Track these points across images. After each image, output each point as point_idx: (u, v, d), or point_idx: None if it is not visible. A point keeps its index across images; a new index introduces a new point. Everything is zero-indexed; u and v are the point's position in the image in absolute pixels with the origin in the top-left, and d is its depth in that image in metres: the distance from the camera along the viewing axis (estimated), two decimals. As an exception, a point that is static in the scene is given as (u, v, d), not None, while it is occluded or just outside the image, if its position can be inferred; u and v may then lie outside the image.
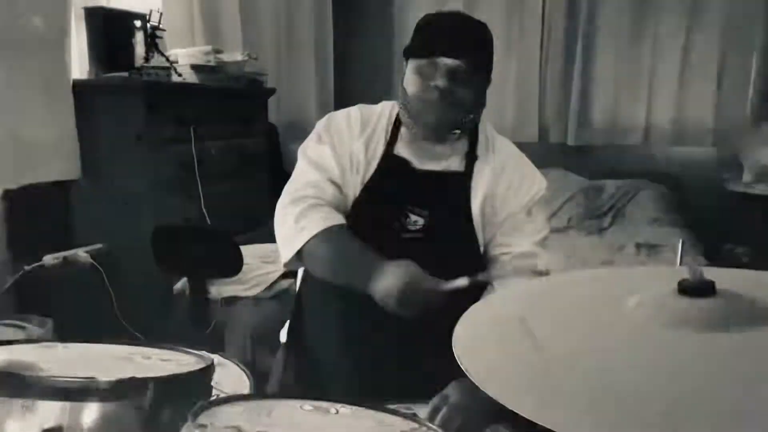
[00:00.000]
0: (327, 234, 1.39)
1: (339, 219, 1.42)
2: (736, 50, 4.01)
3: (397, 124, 1.49)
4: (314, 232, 1.39)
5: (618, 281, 0.84)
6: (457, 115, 1.42)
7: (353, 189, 1.46)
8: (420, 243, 1.42)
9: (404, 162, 1.47)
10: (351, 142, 1.48)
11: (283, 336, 1.62)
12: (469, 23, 1.44)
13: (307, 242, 1.39)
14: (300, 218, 1.41)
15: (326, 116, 1.55)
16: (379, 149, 1.47)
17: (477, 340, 0.71)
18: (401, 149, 1.48)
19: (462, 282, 1.28)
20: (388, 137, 1.48)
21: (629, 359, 0.63)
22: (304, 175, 1.48)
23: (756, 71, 4.00)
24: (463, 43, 1.39)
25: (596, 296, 0.78)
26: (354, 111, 1.52)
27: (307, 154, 1.50)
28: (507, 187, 1.47)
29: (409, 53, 1.44)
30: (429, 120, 1.41)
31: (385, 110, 1.52)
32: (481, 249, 1.47)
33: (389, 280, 1.28)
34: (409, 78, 1.43)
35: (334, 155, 1.47)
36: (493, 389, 0.58)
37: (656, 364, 0.61)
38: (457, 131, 1.45)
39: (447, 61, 1.38)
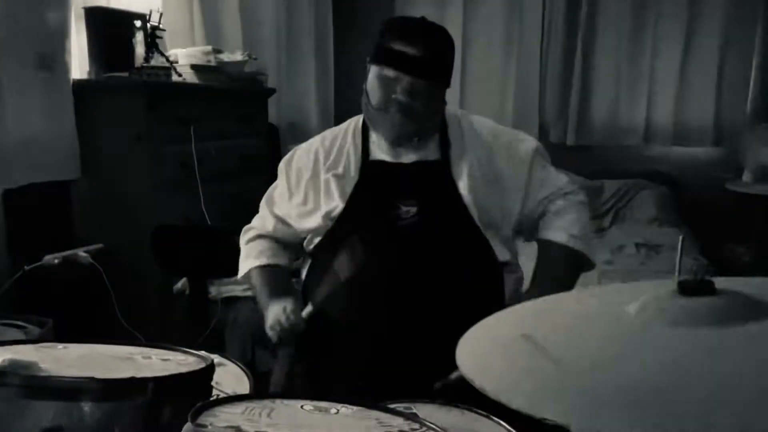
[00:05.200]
0: (255, 271, 1.62)
1: (270, 256, 1.63)
2: (736, 50, 4.01)
3: (365, 133, 1.55)
4: (249, 267, 1.63)
5: (615, 295, 0.85)
6: (416, 126, 1.47)
7: (332, 206, 1.52)
8: (416, 227, 1.47)
9: (382, 162, 1.53)
10: (317, 172, 1.56)
11: None
12: (432, 35, 1.46)
13: (245, 274, 1.65)
14: (245, 246, 1.68)
15: (290, 152, 1.66)
16: (354, 161, 1.53)
17: (485, 360, 0.71)
18: (377, 153, 1.54)
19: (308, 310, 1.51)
20: (359, 149, 1.54)
21: (642, 361, 0.63)
22: (261, 220, 1.68)
23: (756, 71, 4.00)
24: (425, 61, 1.42)
25: (596, 308, 0.78)
26: (316, 142, 1.61)
27: (268, 200, 1.67)
28: (507, 158, 1.52)
29: (373, 60, 1.47)
30: (388, 130, 1.47)
31: (350, 126, 1.59)
32: (479, 226, 1.50)
33: (267, 321, 1.51)
34: (372, 84, 1.47)
35: (287, 190, 1.60)
36: (519, 403, 0.59)
37: (669, 363, 0.62)
38: (416, 139, 1.50)
39: (410, 79, 1.41)
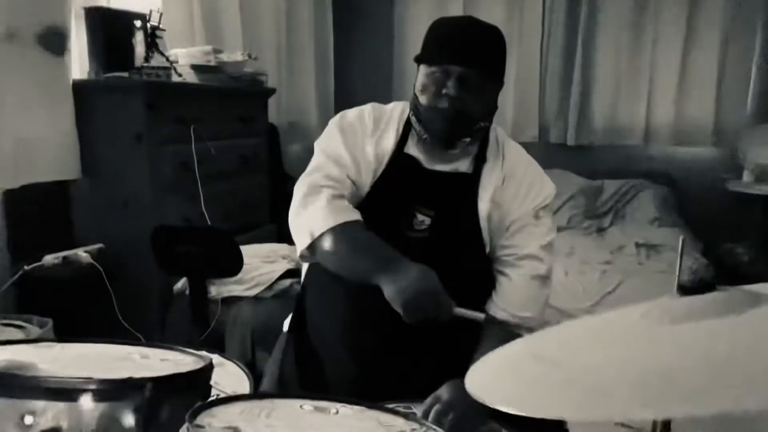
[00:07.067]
0: (350, 225, 1.38)
1: (358, 215, 1.41)
2: (736, 50, 4.01)
3: (408, 123, 1.49)
4: (342, 220, 1.37)
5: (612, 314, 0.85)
6: (468, 124, 1.41)
7: (364, 186, 1.47)
8: (425, 242, 1.42)
9: (414, 161, 1.47)
10: (363, 140, 1.48)
11: (286, 325, 1.63)
12: (480, 28, 1.42)
13: (330, 229, 1.37)
14: (329, 205, 1.40)
15: (339, 114, 1.55)
16: (390, 147, 1.47)
17: (497, 382, 0.71)
18: (411, 148, 1.48)
19: (477, 315, 1.28)
20: (399, 136, 1.48)
21: (653, 357, 0.64)
22: (324, 169, 1.47)
23: (756, 71, 4.01)
24: (474, 49, 1.38)
25: (599, 321, 0.79)
26: (367, 109, 1.53)
27: (325, 150, 1.50)
28: (515, 193, 1.46)
29: (421, 59, 1.43)
30: (439, 128, 1.41)
31: (396, 109, 1.53)
32: (487, 250, 1.47)
33: (408, 280, 1.26)
34: (421, 84, 1.43)
35: (348, 153, 1.47)
36: (527, 410, 0.59)
37: (675, 356, 0.62)
38: (467, 139, 1.44)
39: (458, 69, 1.37)
